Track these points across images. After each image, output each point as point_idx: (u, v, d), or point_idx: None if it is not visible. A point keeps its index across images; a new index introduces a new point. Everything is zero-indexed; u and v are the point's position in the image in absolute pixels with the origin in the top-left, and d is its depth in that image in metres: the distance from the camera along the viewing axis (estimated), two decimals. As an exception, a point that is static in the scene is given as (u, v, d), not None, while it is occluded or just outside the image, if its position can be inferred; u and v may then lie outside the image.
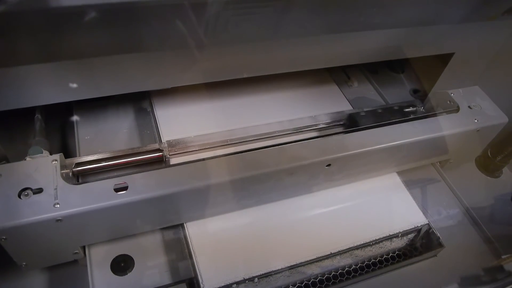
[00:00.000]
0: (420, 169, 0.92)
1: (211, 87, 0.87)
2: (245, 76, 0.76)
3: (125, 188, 0.60)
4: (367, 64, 1.07)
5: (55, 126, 0.83)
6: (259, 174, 0.67)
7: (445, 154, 0.88)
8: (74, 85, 0.62)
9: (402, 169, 0.86)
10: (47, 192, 0.58)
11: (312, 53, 0.77)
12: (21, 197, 0.57)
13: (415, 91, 1.06)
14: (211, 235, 0.70)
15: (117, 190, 0.60)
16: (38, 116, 0.73)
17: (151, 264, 0.67)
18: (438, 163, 0.94)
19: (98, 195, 0.59)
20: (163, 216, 0.68)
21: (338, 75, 1.04)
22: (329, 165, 0.72)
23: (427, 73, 1.04)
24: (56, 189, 0.58)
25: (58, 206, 0.56)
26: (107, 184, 0.60)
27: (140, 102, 0.87)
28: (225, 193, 0.68)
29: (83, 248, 0.67)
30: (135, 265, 0.67)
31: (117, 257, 0.68)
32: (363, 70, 1.09)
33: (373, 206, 0.80)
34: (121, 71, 0.64)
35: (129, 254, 0.68)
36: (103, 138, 0.79)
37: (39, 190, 0.58)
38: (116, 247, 0.68)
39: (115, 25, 0.56)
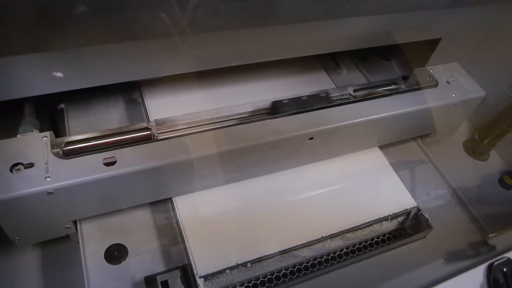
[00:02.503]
0: (407, 152, 0.93)
1: (202, 76, 0.87)
2: (234, 64, 0.76)
3: (114, 162, 0.61)
4: (356, 51, 1.08)
5: (45, 118, 0.82)
6: (243, 147, 0.68)
7: (424, 128, 0.90)
8: (63, 76, 0.63)
9: (384, 143, 0.88)
10: (38, 166, 0.59)
11: (300, 40, 0.78)
12: (13, 171, 0.58)
13: (404, 78, 1.06)
14: (203, 221, 0.71)
15: (106, 164, 0.61)
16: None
17: (145, 251, 0.68)
18: (419, 138, 0.95)
19: (87, 168, 0.60)
20: (152, 189, 0.69)
21: (327, 62, 1.04)
22: (311, 138, 0.73)
23: (416, 60, 1.05)
24: (47, 163, 0.59)
25: (49, 179, 0.57)
26: (96, 158, 0.61)
27: (130, 92, 0.87)
28: (210, 166, 0.69)
29: (75, 222, 0.68)
30: (128, 254, 0.67)
31: (110, 246, 0.68)
32: (352, 57, 1.10)
33: (362, 189, 0.81)
34: (110, 60, 0.64)
35: (122, 243, 0.68)
36: (93, 129, 0.78)
37: (30, 165, 0.59)
38: (109, 236, 0.69)
39: (103, 14, 0.56)
